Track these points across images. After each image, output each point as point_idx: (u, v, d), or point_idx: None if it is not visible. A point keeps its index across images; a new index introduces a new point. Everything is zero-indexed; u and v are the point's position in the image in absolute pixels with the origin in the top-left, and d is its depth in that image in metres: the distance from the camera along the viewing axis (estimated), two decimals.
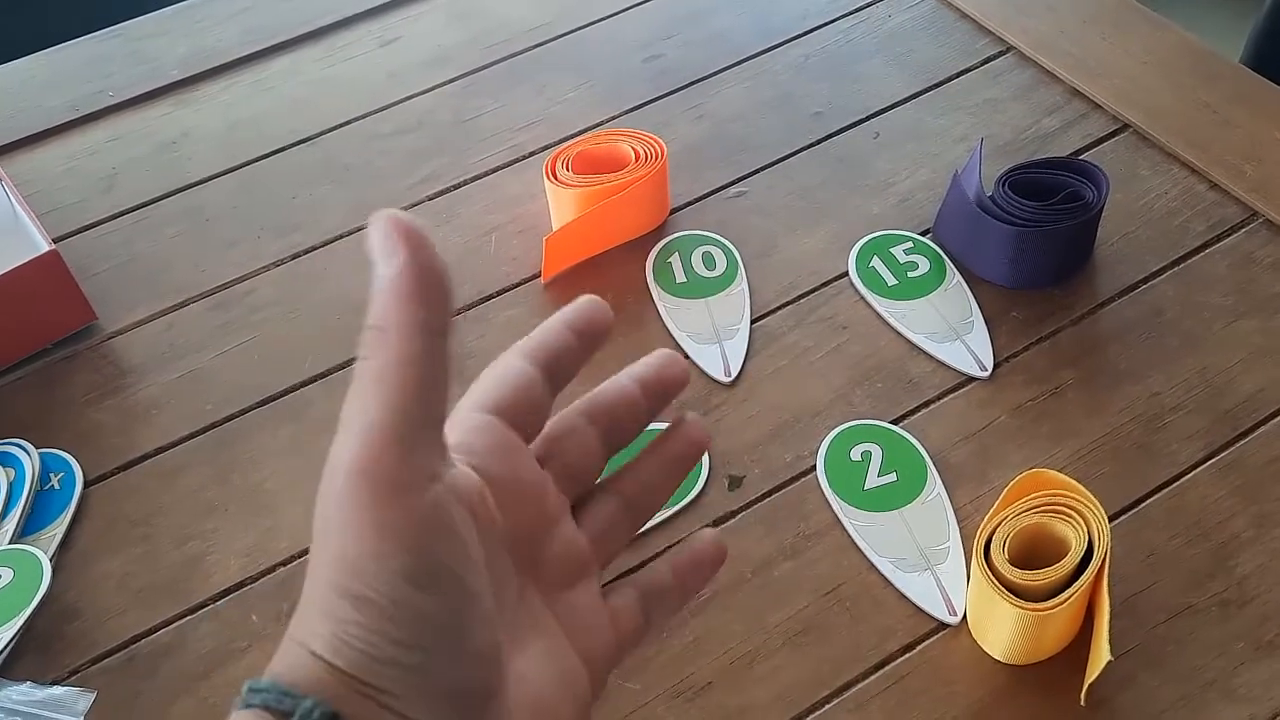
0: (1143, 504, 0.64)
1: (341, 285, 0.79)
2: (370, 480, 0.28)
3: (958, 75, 0.90)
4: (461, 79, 0.93)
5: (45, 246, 0.74)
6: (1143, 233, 0.77)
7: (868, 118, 0.87)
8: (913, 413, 0.69)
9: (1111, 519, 0.62)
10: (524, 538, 0.33)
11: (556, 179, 0.78)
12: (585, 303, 0.36)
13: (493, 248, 0.80)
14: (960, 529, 0.63)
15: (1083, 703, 0.55)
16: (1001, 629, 0.56)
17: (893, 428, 0.68)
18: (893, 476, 0.66)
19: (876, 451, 0.67)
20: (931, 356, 0.72)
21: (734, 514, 0.65)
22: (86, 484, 0.69)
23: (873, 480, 0.66)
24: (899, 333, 0.73)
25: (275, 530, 0.66)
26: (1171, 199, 0.79)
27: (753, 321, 0.74)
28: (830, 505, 0.65)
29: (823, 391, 0.70)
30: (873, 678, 0.58)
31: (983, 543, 0.57)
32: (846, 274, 0.77)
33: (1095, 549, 0.56)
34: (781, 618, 0.61)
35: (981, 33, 0.93)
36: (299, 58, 0.96)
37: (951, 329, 0.73)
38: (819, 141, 0.86)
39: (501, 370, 0.34)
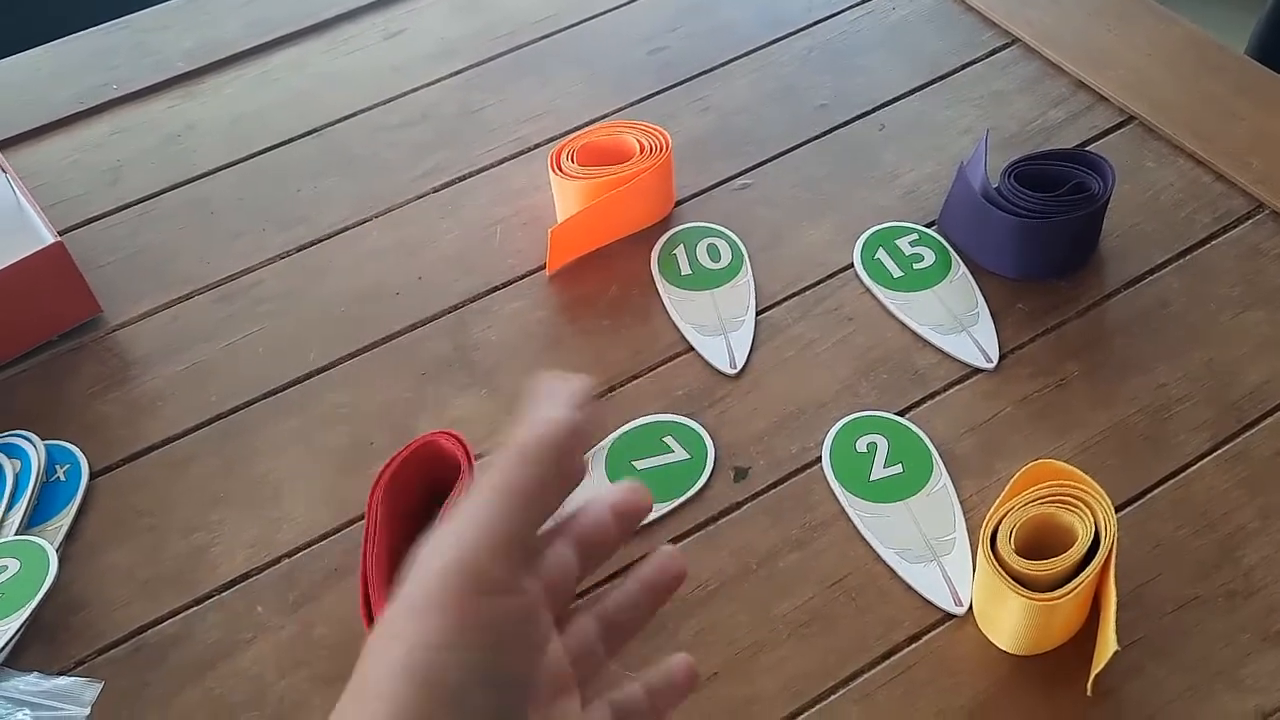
0: (1149, 495, 0.64)
1: (346, 277, 0.79)
2: (467, 575, 0.30)
3: (963, 67, 0.89)
4: (466, 71, 0.93)
5: (50, 239, 0.74)
6: (1148, 224, 0.77)
7: (873, 110, 0.87)
8: (918, 404, 0.69)
9: (1118, 510, 0.62)
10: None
11: (561, 171, 0.78)
12: (630, 489, 0.37)
13: (498, 240, 0.80)
14: (966, 520, 0.63)
15: (1089, 693, 0.55)
16: (1008, 619, 0.56)
17: (898, 419, 0.68)
18: (898, 468, 0.66)
19: (882, 443, 0.67)
20: (937, 348, 0.71)
21: (740, 505, 0.65)
22: (92, 475, 0.69)
23: (878, 471, 0.65)
24: (904, 324, 0.73)
25: (280, 521, 0.66)
26: (1177, 191, 0.79)
27: (758, 313, 0.74)
28: (836, 496, 0.65)
29: (828, 383, 0.70)
30: (879, 668, 0.58)
31: (989, 533, 0.57)
32: (852, 266, 0.77)
33: (1102, 539, 0.56)
34: (788, 608, 0.61)
35: (987, 25, 0.93)
36: (304, 50, 0.96)
37: (957, 321, 0.73)
38: (824, 133, 0.86)
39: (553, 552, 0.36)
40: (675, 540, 0.64)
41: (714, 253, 0.78)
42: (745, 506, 0.65)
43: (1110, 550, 0.55)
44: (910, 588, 0.61)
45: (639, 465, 0.67)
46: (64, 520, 0.67)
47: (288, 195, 0.85)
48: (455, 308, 0.76)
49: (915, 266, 0.76)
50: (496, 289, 0.77)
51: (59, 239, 0.74)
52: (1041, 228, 0.72)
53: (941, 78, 0.89)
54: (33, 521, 0.66)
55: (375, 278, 0.79)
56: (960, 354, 0.71)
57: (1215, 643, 0.58)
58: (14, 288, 0.72)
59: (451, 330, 0.75)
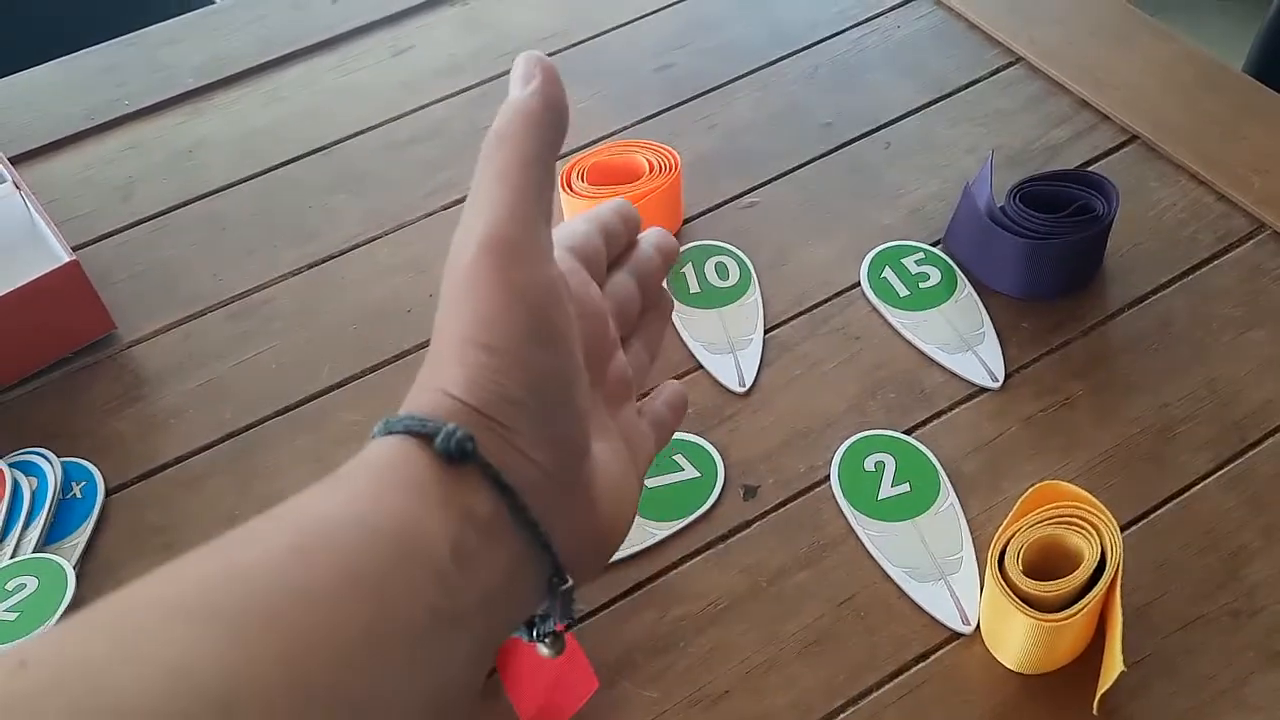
0: (1153, 514, 0.65)
1: (358, 294, 0.80)
2: (501, 248, 0.32)
3: (967, 86, 0.90)
4: (475, 88, 0.94)
5: (66, 257, 0.75)
6: (1152, 244, 0.78)
7: (878, 128, 0.88)
8: (925, 423, 0.70)
9: (1122, 529, 0.63)
10: (593, 351, 0.38)
11: (572, 190, 0.78)
12: (622, 200, 0.44)
13: None
14: (973, 539, 0.64)
15: (1095, 712, 0.56)
16: (1015, 639, 0.57)
17: (905, 438, 0.69)
18: (906, 487, 0.66)
19: (890, 462, 0.68)
20: (943, 367, 0.72)
21: (749, 524, 0.66)
22: (108, 492, 0.70)
23: (886, 490, 0.66)
24: (911, 343, 0.74)
25: None
26: (1180, 210, 0.80)
27: (766, 331, 0.75)
28: (844, 515, 0.65)
29: (836, 402, 0.71)
30: (887, 687, 0.59)
31: (997, 553, 0.58)
32: (858, 284, 0.77)
33: (1108, 560, 0.56)
34: (796, 627, 0.61)
35: (990, 43, 0.94)
36: (313, 66, 0.97)
37: (963, 340, 0.73)
38: (830, 152, 0.87)
39: (570, 226, 0.41)
40: (685, 559, 0.64)
41: (722, 271, 0.79)
42: (754, 525, 0.66)
43: (1116, 571, 0.56)
44: (918, 606, 0.62)
45: (650, 483, 0.67)
46: (81, 537, 0.67)
47: (299, 212, 0.86)
48: None
49: (921, 285, 0.77)
50: None
51: (74, 257, 0.75)
52: (1046, 248, 0.73)
53: (946, 96, 0.90)
54: (50, 539, 0.67)
55: (387, 295, 0.79)
56: (966, 373, 0.72)
57: (1219, 662, 0.58)
58: (30, 306, 0.73)
59: None
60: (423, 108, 0.93)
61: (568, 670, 0.58)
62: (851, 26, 0.96)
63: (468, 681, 0.31)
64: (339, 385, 0.75)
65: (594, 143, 0.88)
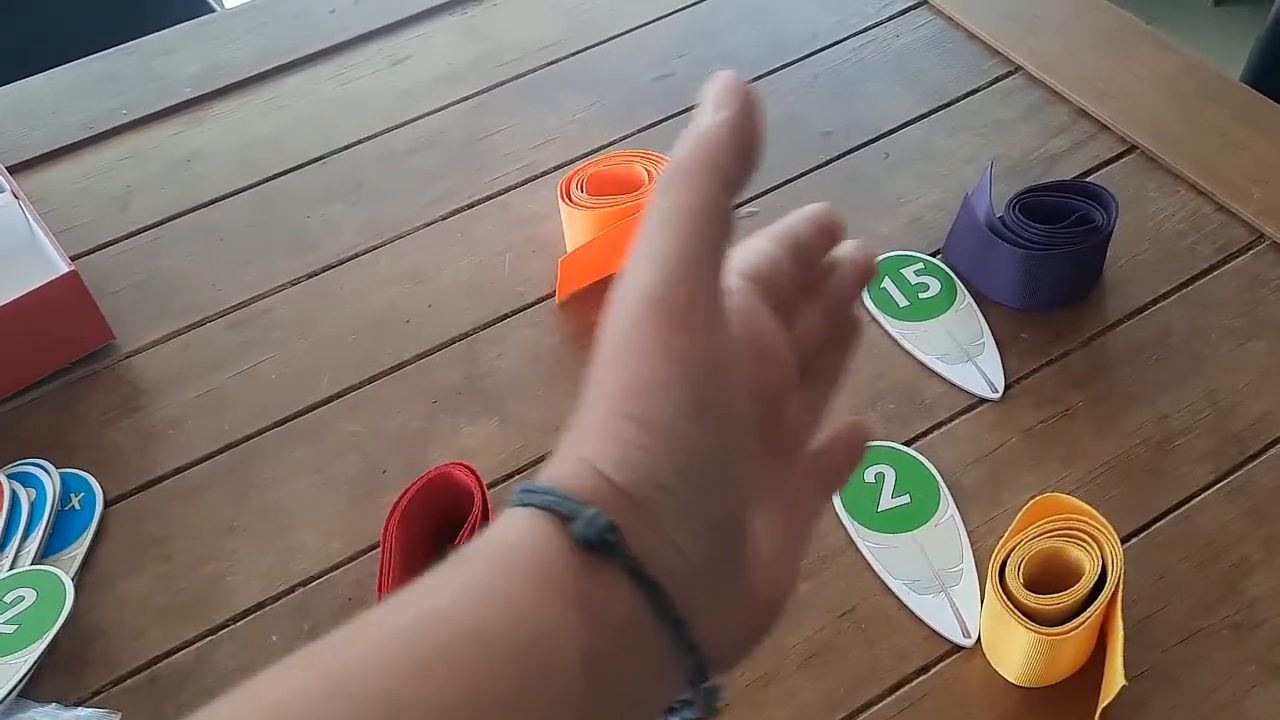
0: (1153, 526, 0.64)
1: (357, 305, 0.80)
2: (663, 310, 0.29)
3: (966, 95, 0.90)
4: (474, 97, 0.94)
5: (64, 267, 0.75)
6: (1151, 255, 0.78)
7: (877, 138, 0.88)
8: (925, 434, 0.70)
9: (1123, 541, 0.63)
10: (766, 401, 0.33)
11: (571, 200, 0.78)
12: (822, 205, 0.38)
13: (507, 267, 0.81)
14: (973, 551, 0.64)
15: None
16: (1016, 652, 0.57)
17: (905, 449, 0.69)
18: (906, 498, 0.66)
19: (890, 473, 0.68)
20: (943, 378, 0.72)
21: None
22: (107, 504, 0.70)
23: (886, 502, 0.66)
24: (910, 354, 0.74)
25: (294, 551, 0.67)
26: (1179, 221, 0.80)
27: None
28: (845, 527, 0.65)
29: (836, 412, 0.71)
30: (888, 700, 0.59)
31: (997, 566, 0.58)
32: None
33: (1109, 574, 0.56)
34: (798, 639, 0.61)
35: (990, 53, 0.94)
36: (311, 76, 0.97)
37: (963, 350, 0.73)
38: (829, 162, 0.87)
39: (753, 247, 0.35)
40: None
41: None
42: None
43: (1117, 585, 0.56)
44: (919, 619, 0.61)
45: None
46: (79, 549, 0.67)
47: (297, 222, 0.85)
48: (465, 335, 0.77)
49: (921, 296, 0.77)
50: (506, 316, 0.78)
51: (73, 267, 0.75)
52: (1046, 259, 0.73)
53: (945, 106, 0.90)
54: (48, 550, 0.67)
55: (386, 305, 0.79)
56: (966, 384, 0.72)
57: (1220, 675, 0.58)
58: (28, 316, 0.73)
59: (462, 358, 0.76)
60: (421, 117, 0.93)
61: None
62: (850, 36, 0.96)
63: None
64: (338, 396, 0.74)
65: (593, 152, 0.88)
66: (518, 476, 0.69)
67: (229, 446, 0.72)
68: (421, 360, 0.76)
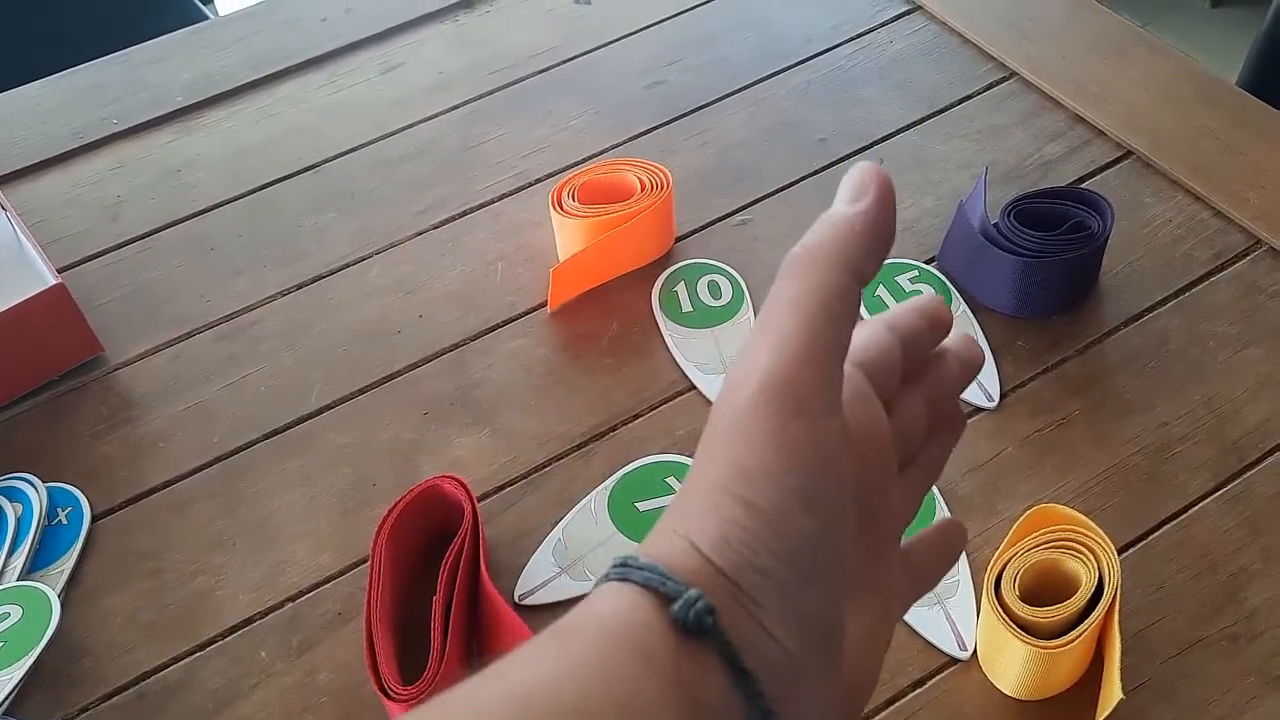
0: (1151, 536, 0.64)
1: (347, 315, 0.79)
2: (780, 395, 0.29)
3: (961, 101, 0.90)
4: (465, 105, 0.93)
5: (52, 280, 0.74)
6: (1147, 261, 0.78)
7: (871, 144, 0.87)
8: None
9: (1120, 551, 0.62)
10: (869, 492, 0.33)
11: (563, 209, 0.78)
12: (933, 297, 0.37)
13: (499, 276, 0.80)
14: (969, 561, 0.63)
15: None
16: (1012, 665, 0.57)
17: None
18: None
19: None
20: None
21: None
22: (94, 518, 0.69)
23: None
24: None
25: (283, 565, 0.66)
26: (1175, 227, 0.79)
27: None
28: None
29: None
30: (884, 714, 0.58)
31: (993, 579, 0.57)
32: None
33: (1105, 586, 0.56)
34: None
35: (984, 58, 0.93)
36: (302, 84, 0.96)
37: None
38: (823, 169, 0.86)
39: (866, 334, 0.35)
40: None
41: (715, 290, 0.78)
42: None
43: (1114, 597, 0.55)
44: (915, 632, 0.61)
45: (642, 507, 0.67)
46: (66, 565, 0.66)
47: (288, 232, 0.85)
48: (456, 346, 0.77)
49: None
50: (497, 327, 0.77)
51: (60, 279, 0.74)
52: (1041, 266, 0.72)
53: (939, 111, 0.89)
54: (34, 566, 0.66)
55: (376, 316, 0.79)
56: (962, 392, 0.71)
57: (1219, 687, 0.58)
58: (15, 329, 0.72)
59: (453, 369, 0.75)
60: (412, 125, 0.92)
61: None
62: (844, 42, 0.96)
63: None
64: (328, 407, 0.74)
65: (585, 161, 0.87)
66: (509, 488, 0.68)
67: (218, 459, 0.72)
68: (412, 371, 0.75)
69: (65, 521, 0.68)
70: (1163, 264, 0.77)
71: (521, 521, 0.67)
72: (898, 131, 0.88)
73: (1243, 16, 2.21)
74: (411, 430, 0.72)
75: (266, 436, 0.73)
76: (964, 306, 0.76)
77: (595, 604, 0.28)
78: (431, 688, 0.56)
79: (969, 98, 0.90)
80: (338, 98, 0.95)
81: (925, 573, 0.37)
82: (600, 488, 0.68)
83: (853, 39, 0.96)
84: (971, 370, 0.38)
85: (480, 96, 0.94)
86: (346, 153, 0.90)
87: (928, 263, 0.79)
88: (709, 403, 0.72)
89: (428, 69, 0.97)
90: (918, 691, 0.59)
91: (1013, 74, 0.92)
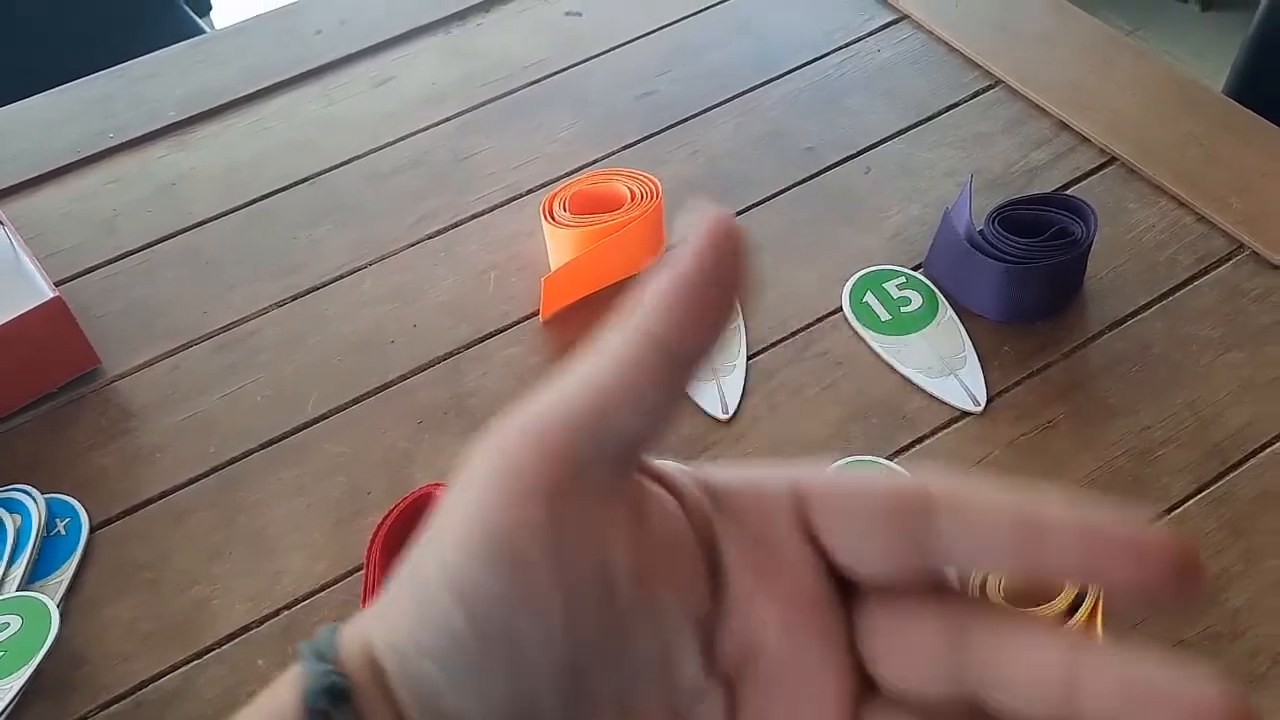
0: None
1: (342, 326, 0.80)
2: (491, 469, 0.25)
3: (947, 109, 0.91)
4: (457, 117, 0.94)
5: (49, 293, 0.75)
6: (1131, 266, 0.79)
7: (859, 153, 0.88)
8: (907, 448, 0.70)
9: None
10: (741, 654, 0.26)
11: (554, 219, 0.79)
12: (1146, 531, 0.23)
13: (491, 286, 0.81)
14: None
15: None
16: None
17: (888, 463, 0.69)
18: None
19: None
20: (925, 392, 0.73)
21: None
22: (92, 529, 0.70)
23: None
24: (893, 368, 0.74)
25: (280, 574, 0.67)
26: (1159, 232, 0.80)
27: (748, 358, 0.76)
28: None
29: (819, 428, 0.72)
30: None
31: (978, 582, 0.58)
32: (840, 309, 0.78)
33: (1089, 586, 0.57)
34: None
35: (970, 66, 0.94)
36: (296, 98, 0.97)
37: (945, 364, 0.74)
38: (811, 177, 0.87)
39: (770, 474, 0.28)
40: None
41: None
42: None
43: (1097, 598, 0.56)
44: None
45: None
46: (65, 575, 0.67)
47: (283, 244, 0.86)
48: (450, 355, 0.77)
49: (903, 310, 0.77)
50: (491, 336, 0.78)
51: (57, 293, 0.75)
52: (1026, 272, 0.73)
53: (926, 120, 0.90)
54: (34, 577, 0.67)
55: (371, 326, 0.80)
56: (948, 397, 0.72)
57: None
58: (13, 342, 0.73)
59: (447, 378, 0.76)
60: (406, 138, 0.93)
61: None
62: (832, 51, 0.97)
63: None
64: (324, 417, 0.75)
65: (576, 171, 0.88)
66: None
67: (215, 469, 0.73)
68: (406, 380, 0.76)
69: (64, 532, 0.69)
70: (1146, 269, 0.78)
71: None
72: (885, 140, 0.89)
73: (1233, 20, 2.22)
74: (406, 439, 0.73)
75: (262, 446, 0.74)
76: (951, 312, 0.77)
77: (274, 685, 0.26)
78: None
79: (955, 106, 0.91)
80: (331, 111, 0.96)
81: None
82: None
83: (840, 48, 0.97)
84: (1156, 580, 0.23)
85: (473, 108, 0.95)
86: (340, 165, 0.91)
87: (915, 269, 0.80)
88: (700, 410, 0.73)
89: (421, 81, 0.98)
90: None
91: (998, 82, 0.93)
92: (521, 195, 0.87)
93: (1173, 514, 0.65)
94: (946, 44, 0.96)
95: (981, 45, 0.95)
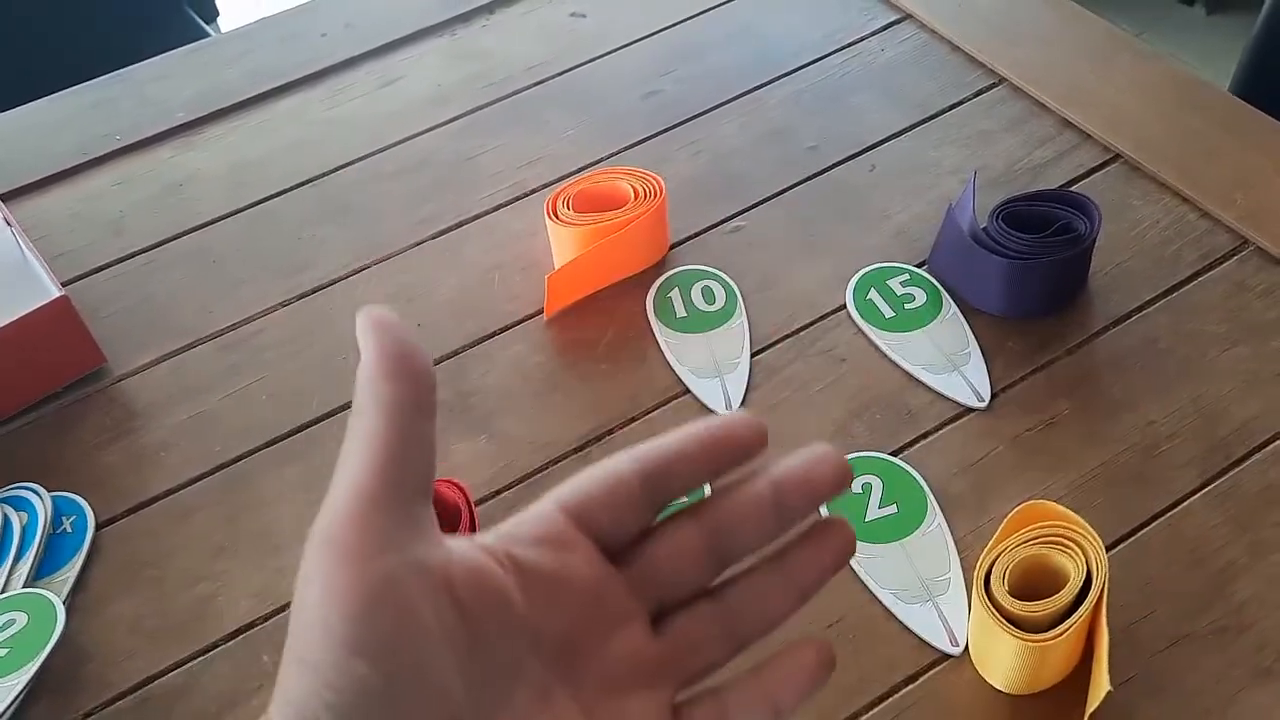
0: (1140, 532, 0.65)
1: (348, 324, 0.79)
2: (326, 542, 0.29)
3: (951, 108, 0.91)
4: (462, 118, 0.94)
5: (55, 292, 0.76)
6: (1135, 262, 0.78)
7: (862, 151, 0.88)
8: (912, 444, 0.70)
9: (1109, 548, 0.63)
10: (562, 636, 0.31)
11: (558, 217, 0.79)
12: (734, 417, 0.33)
13: (496, 285, 0.81)
14: (961, 559, 0.64)
15: None
16: (1003, 660, 0.57)
17: (892, 459, 0.69)
18: (893, 508, 0.67)
19: (877, 483, 0.68)
20: (929, 388, 0.73)
21: None
22: (98, 526, 0.70)
23: (874, 512, 0.66)
24: (897, 364, 0.74)
25: (284, 571, 0.67)
26: (1163, 228, 0.80)
27: (753, 355, 0.76)
28: None
29: (823, 424, 0.72)
30: (877, 709, 0.59)
31: (983, 574, 0.58)
32: (844, 306, 0.78)
33: (1094, 579, 0.57)
34: None
35: (973, 65, 0.94)
36: (302, 99, 0.98)
37: (949, 360, 0.74)
38: (815, 175, 0.87)
39: (597, 468, 0.33)
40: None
41: (709, 295, 0.79)
42: None
43: (1102, 591, 0.56)
44: (906, 628, 0.62)
45: None
46: (71, 572, 0.67)
47: (288, 244, 0.86)
48: (455, 353, 0.78)
49: (907, 306, 0.77)
50: (494, 334, 0.79)
51: (64, 292, 0.75)
52: (1030, 268, 0.73)
53: (930, 118, 0.91)
54: (40, 574, 0.67)
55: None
56: (952, 393, 0.72)
57: (1207, 680, 0.58)
58: (20, 341, 0.74)
59: (451, 376, 0.76)
60: (410, 138, 0.93)
61: None
62: (835, 51, 0.97)
63: None
64: (328, 415, 0.75)
65: (580, 170, 0.88)
66: (506, 493, 0.69)
67: (220, 467, 0.73)
68: None
69: (70, 530, 0.69)
70: (1151, 265, 0.78)
71: None
72: (889, 138, 0.89)
73: (1238, 24, 2.21)
74: None
75: (267, 445, 0.74)
76: (955, 309, 0.77)
77: None
78: None
79: (959, 104, 0.91)
80: (337, 112, 0.96)
81: (779, 699, 0.34)
82: None
83: (844, 48, 0.97)
84: (821, 486, 0.32)
85: (477, 109, 0.95)
86: (346, 166, 0.92)
87: (919, 266, 0.80)
88: (704, 407, 0.73)
89: (425, 83, 0.98)
90: (910, 687, 0.60)
91: (1001, 80, 0.93)
92: (525, 195, 0.88)
93: (1178, 508, 0.65)
94: (949, 43, 0.96)
95: (984, 44, 0.95)
